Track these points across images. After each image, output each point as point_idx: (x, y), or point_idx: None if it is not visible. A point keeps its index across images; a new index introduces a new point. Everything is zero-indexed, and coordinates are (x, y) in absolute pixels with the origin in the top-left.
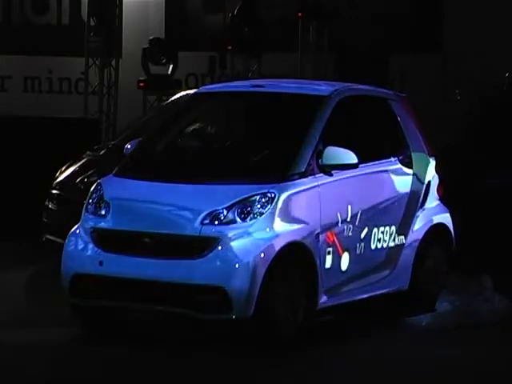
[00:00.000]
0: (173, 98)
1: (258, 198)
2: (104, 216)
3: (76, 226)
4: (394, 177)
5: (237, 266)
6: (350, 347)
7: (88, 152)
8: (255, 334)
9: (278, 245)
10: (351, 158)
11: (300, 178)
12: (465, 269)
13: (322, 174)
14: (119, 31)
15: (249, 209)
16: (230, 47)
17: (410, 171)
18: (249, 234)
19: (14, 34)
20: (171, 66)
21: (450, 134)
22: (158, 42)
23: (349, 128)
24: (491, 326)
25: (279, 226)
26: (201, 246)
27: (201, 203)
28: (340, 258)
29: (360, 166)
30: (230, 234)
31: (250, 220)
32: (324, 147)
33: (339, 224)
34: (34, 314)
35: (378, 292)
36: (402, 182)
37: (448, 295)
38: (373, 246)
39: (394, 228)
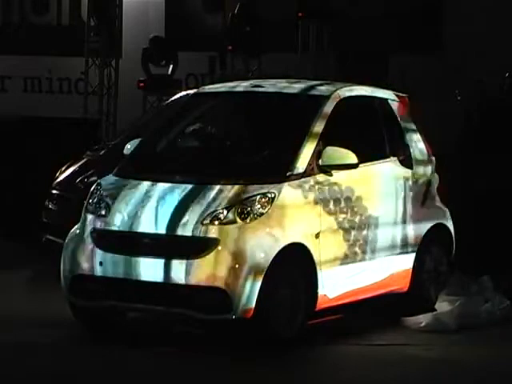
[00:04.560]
0: (173, 98)
1: (257, 198)
2: (104, 216)
3: (76, 226)
4: (393, 177)
5: (237, 266)
6: (350, 347)
7: (88, 152)
8: (255, 334)
9: (278, 245)
10: (351, 158)
11: (300, 178)
12: (465, 269)
13: (321, 174)
14: (119, 31)
15: (249, 209)
16: (230, 47)
17: (409, 171)
18: (249, 234)
19: (14, 34)
20: (171, 66)
21: (450, 134)
22: (158, 41)
23: (349, 128)
24: (491, 326)
25: (279, 226)
26: (201, 246)
27: (201, 203)
28: (340, 257)
29: (360, 166)
30: (229, 235)
31: (250, 220)
32: (324, 147)
33: (339, 224)
34: (34, 314)
35: (378, 292)
36: (402, 182)
37: (448, 295)
38: (373, 246)
39: (393, 228)
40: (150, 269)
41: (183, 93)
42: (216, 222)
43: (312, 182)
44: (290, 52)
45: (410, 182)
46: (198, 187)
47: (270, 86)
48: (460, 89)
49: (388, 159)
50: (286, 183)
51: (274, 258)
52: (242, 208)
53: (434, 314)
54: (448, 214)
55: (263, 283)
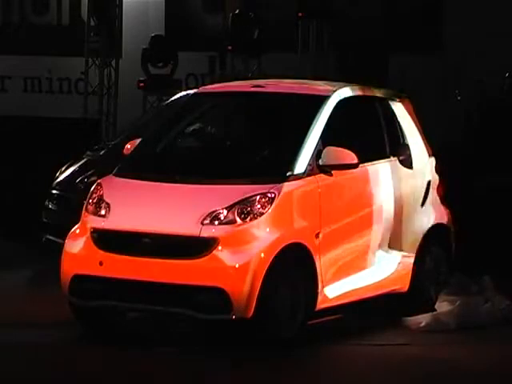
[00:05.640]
0: (173, 98)
1: (257, 197)
2: (104, 216)
3: (76, 226)
4: (393, 177)
5: (237, 266)
6: (350, 347)
7: (88, 152)
8: (255, 334)
9: (278, 245)
10: (351, 158)
11: (300, 178)
12: (465, 269)
13: (321, 174)
14: (119, 31)
15: (249, 209)
16: (229, 47)
17: (409, 171)
18: (249, 234)
19: (14, 34)
20: (171, 66)
21: (450, 134)
22: (158, 40)
23: (349, 128)
24: (491, 326)
25: (279, 226)
26: (201, 246)
27: (201, 203)
28: (339, 258)
29: (360, 166)
30: (229, 235)
31: (250, 220)
32: (324, 147)
33: (339, 224)
34: (34, 314)
35: (378, 292)
36: (402, 182)
37: (448, 295)
38: (373, 246)
39: (393, 228)
40: (149, 269)
41: (183, 93)
42: (216, 222)
43: (312, 182)
44: (290, 52)
45: (410, 182)
46: (198, 187)
47: (270, 85)
48: (460, 89)
49: (388, 159)
50: (286, 183)
51: (274, 257)
52: (242, 208)
53: (434, 313)
54: (448, 213)
55: (263, 283)
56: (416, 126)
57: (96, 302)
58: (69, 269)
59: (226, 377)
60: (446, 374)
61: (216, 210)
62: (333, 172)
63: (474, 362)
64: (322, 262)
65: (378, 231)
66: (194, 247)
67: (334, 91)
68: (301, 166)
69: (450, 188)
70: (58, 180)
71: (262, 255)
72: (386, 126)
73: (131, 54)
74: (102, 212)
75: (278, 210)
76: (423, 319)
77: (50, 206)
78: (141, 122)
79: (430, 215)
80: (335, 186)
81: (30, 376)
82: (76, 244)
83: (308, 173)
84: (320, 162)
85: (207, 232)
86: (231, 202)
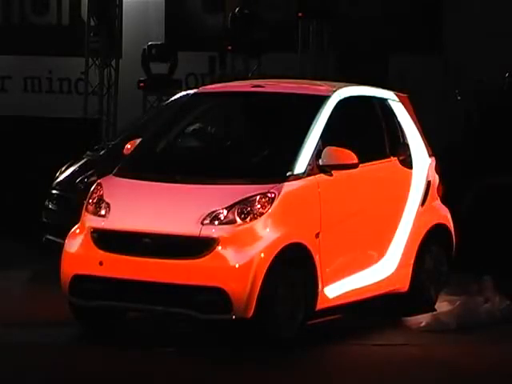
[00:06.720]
0: (173, 98)
1: (258, 198)
2: (104, 216)
3: (76, 226)
4: (393, 177)
5: (237, 266)
6: (350, 347)
7: (88, 152)
8: (255, 334)
9: (278, 245)
10: (351, 158)
11: (300, 178)
12: (465, 269)
13: (321, 174)
14: (119, 31)
15: (249, 209)
16: (229, 47)
17: (409, 171)
18: (249, 234)
19: (14, 34)
20: (169, 64)
21: (450, 134)
22: (156, 46)
23: (349, 128)
24: (491, 326)
25: (279, 226)
26: (201, 246)
27: (201, 203)
28: (339, 258)
29: (360, 166)
30: (229, 235)
31: (250, 220)
32: (324, 147)
33: (339, 224)
34: (34, 314)
35: (378, 292)
36: (402, 183)
37: (448, 295)
38: (373, 246)
39: (393, 228)
40: (149, 269)
41: (183, 93)
42: (216, 222)
43: (312, 182)
44: (290, 52)
45: (410, 182)
46: (198, 187)
47: (270, 85)
48: (460, 89)
49: (388, 159)
50: (286, 183)
51: (274, 257)
52: (242, 208)
53: (434, 313)
54: (448, 213)
55: (263, 283)
56: (416, 126)
57: (96, 302)
58: (69, 269)
59: (226, 377)
60: (445, 374)
61: (216, 210)
62: (333, 172)
63: (473, 361)
64: (322, 262)
65: (378, 231)
66: (194, 247)
67: (334, 91)
68: (301, 166)
69: (449, 188)
70: (58, 180)
71: (262, 255)
72: (386, 126)
73: (131, 54)
74: (102, 212)
75: (277, 209)
76: (423, 319)
77: (50, 206)
78: (141, 122)
79: (430, 215)
80: (335, 185)
81: (30, 376)
82: (76, 244)
83: (308, 173)
84: (320, 162)
85: (207, 232)
86: (231, 202)
